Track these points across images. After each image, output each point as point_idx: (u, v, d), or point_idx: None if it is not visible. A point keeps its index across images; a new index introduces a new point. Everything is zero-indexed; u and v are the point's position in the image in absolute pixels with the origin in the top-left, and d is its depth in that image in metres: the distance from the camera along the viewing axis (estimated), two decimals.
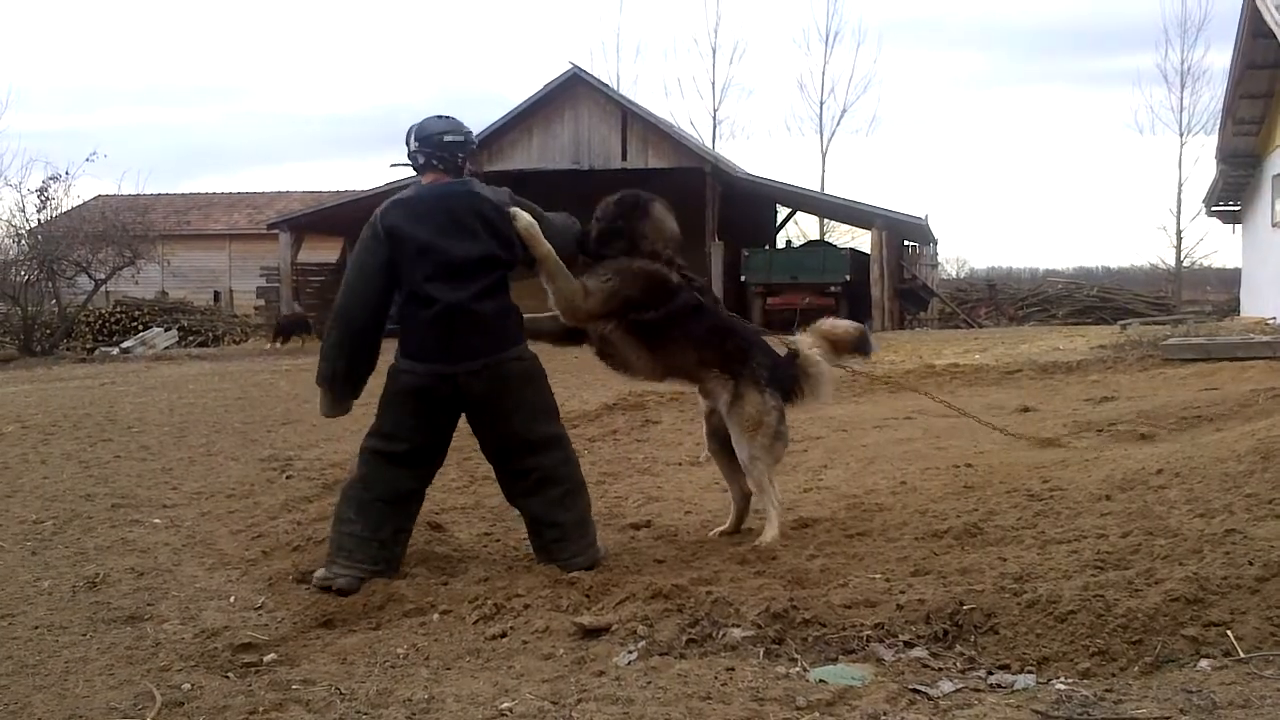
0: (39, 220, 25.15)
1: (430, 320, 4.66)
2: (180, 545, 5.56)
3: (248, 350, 24.91)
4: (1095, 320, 29.34)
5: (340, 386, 4.88)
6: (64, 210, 26.15)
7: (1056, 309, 33.72)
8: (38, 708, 3.41)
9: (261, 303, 29.76)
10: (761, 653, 3.46)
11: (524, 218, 4.81)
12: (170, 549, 5.48)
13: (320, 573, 4.66)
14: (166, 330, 27.27)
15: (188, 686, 3.51)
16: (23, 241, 24.91)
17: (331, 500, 6.19)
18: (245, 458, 8.33)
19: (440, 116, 4.94)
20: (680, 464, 7.58)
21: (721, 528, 5.33)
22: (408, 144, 4.90)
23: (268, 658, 3.80)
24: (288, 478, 7.34)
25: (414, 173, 4.97)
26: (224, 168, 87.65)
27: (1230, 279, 33.98)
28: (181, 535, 5.79)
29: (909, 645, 3.40)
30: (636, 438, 8.87)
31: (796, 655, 3.42)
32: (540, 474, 4.78)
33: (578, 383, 11.77)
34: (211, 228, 39.37)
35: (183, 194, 42.15)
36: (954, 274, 48.95)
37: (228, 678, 3.63)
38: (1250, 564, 3.39)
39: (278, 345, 23.91)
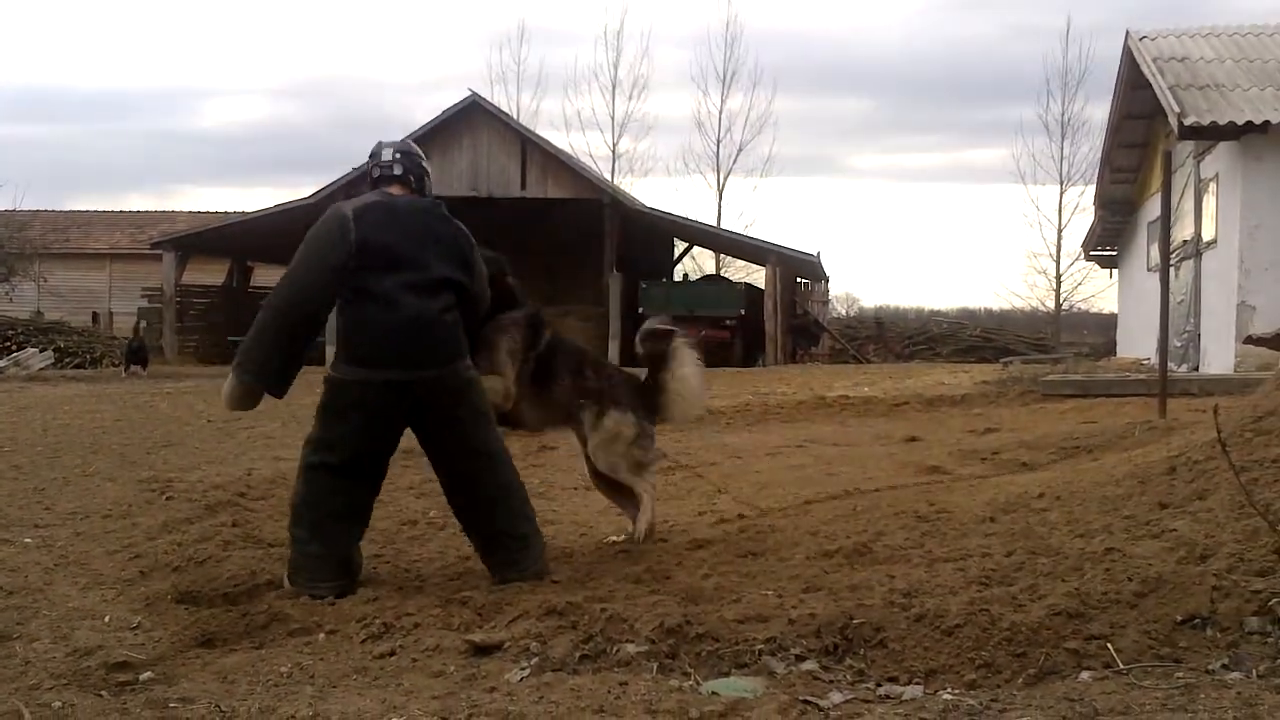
0: None
1: (395, 326, 4.58)
2: (52, 565, 5.34)
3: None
4: (978, 359, 30.15)
5: (270, 382, 4.72)
6: None
7: (941, 347, 34.59)
8: None
9: (143, 324, 28.95)
10: (655, 667, 3.45)
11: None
12: (42, 568, 5.26)
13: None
14: (42, 351, 26.30)
15: (58, 705, 3.35)
16: None
17: (214, 522, 6.05)
18: (123, 479, 8.06)
19: (412, 142, 5.18)
20: (576, 488, 7.56)
21: (616, 538, 5.56)
22: (377, 155, 4.95)
23: (144, 676, 3.65)
24: (168, 499, 7.11)
25: (371, 181, 4.99)
26: (107, 187, 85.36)
27: (1107, 323, 35.24)
28: (54, 555, 5.56)
29: (800, 658, 3.42)
30: (532, 463, 8.82)
31: (690, 669, 3.42)
32: (499, 485, 4.77)
33: None
34: (92, 246, 38.25)
35: (63, 211, 40.88)
36: (844, 312, 49.89)
37: (101, 696, 3.48)
38: (1129, 580, 3.49)
39: (132, 372, 22.82)
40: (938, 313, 50.23)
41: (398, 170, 4.88)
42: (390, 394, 4.60)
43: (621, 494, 5.55)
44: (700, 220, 34.42)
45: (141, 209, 42.94)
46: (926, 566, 4.21)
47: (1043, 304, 44.93)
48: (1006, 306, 49.18)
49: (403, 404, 4.63)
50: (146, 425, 11.90)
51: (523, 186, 27.54)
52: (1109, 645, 3.21)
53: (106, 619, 4.40)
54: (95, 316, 34.18)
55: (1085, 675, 3.11)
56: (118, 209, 42.94)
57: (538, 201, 27.88)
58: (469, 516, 4.85)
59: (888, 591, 3.85)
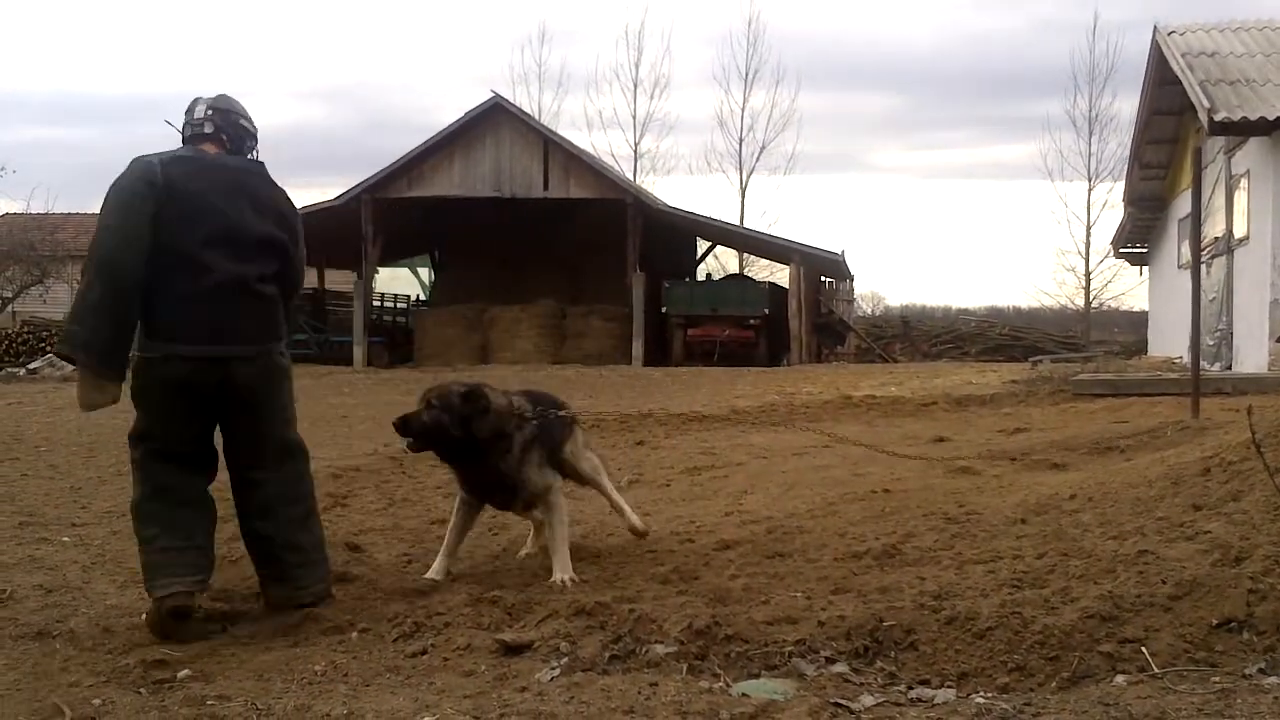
0: None
1: (205, 293, 4.17)
2: (90, 563, 5.43)
3: None
4: (1007, 358, 29.96)
5: (106, 358, 4.14)
6: None
7: (969, 346, 34.41)
8: None
9: None
10: (685, 668, 3.46)
11: None
12: (80, 566, 5.34)
13: (149, 609, 4.19)
14: None
15: (98, 702, 3.42)
16: None
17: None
18: None
19: (232, 98, 4.65)
20: None
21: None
22: (191, 111, 4.52)
23: (182, 674, 3.69)
24: None
25: (183, 141, 4.54)
26: None
27: (1137, 321, 34.98)
28: (91, 553, 5.64)
29: (830, 661, 3.42)
30: None
31: (719, 670, 3.43)
32: (283, 487, 4.41)
33: None
34: None
35: (94, 214, 41.17)
36: (870, 310, 49.77)
37: (140, 694, 3.53)
38: (1163, 583, 3.47)
39: None
40: (965, 311, 50.10)
41: (208, 129, 4.46)
42: (199, 372, 4.18)
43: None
44: (723, 219, 34.36)
45: None
46: (957, 569, 4.21)
47: (1072, 302, 44.69)
48: (1035, 304, 48.93)
49: (211, 383, 4.21)
50: None
51: (545, 187, 27.53)
52: (1143, 649, 3.20)
53: (143, 616, 4.44)
54: None
55: (1120, 679, 3.09)
56: None
57: (560, 202, 27.89)
58: (248, 520, 4.47)
59: (918, 594, 3.84)
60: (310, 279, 32.13)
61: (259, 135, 4.70)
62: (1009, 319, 44.83)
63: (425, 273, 38.81)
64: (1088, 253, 42.70)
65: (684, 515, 6.31)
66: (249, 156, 4.61)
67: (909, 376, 18.93)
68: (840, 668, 3.37)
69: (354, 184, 27.38)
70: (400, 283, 37.94)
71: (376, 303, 30.69)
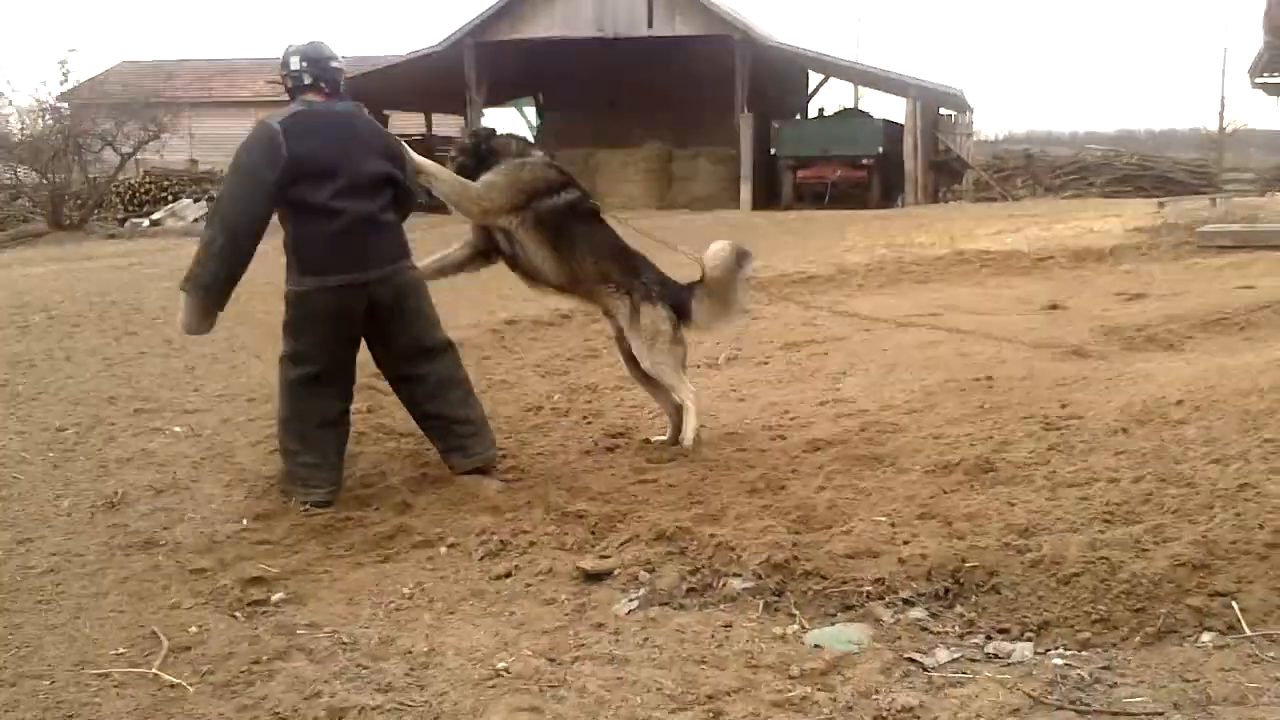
0: (60, 92, 24.67)
1: (339, 231, 4.79)
2: (200, 458, 5.55)
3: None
4: (1135, 188, 28.72)
5: (215, 296, 4.84)
6: (85, 79, 25.60)
7: (1094, 177, 32.98)
8: (48, 650, 3.46)
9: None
10: (761, 605, 3.47)
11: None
12: (190, 463, 5.47)
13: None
14: (196, 201, 27.06)
15: (194, 630, 3.55)
16: (46, 116, 24.43)
17: (359, 406, 6.17)
18: (269, 355, 8.25)
19: (321, 42, 5.15)
20: (696, 366, 7.50)
21: (662, 437, 5.60)
22: (287, 65, 5.07)
23: (276, 596, 3.83)
24: None
25: (287, 91, 5.13)
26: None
27: (1277, 142, 33.16)
28: (201, 446, 5.77)
29: (909, 604, 3.38)
30: None
31: (795, 610, 3.42)
32: (440, 377, 5.08)
33: None
34: (237, 95, 38.77)
35: (207, 60, 41.43)
36: (994, 137, 47.91)
37: (235, 618, 3.67)
38: (1260, 528, 3.33)
39: None
40: (1093, 135, 47.98)
41: (307, 79, 5.02)
42: (347, 297, 4.82)
43: (660, 391, 5.61)
44: (836, 54, 33.09)
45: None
46: (1049, 491, 4.09)
47: (1205, 126, 42.52)
48: (1168, 127, 46.80)
49: (359, 305, 4.85)
50: None
51: (649, 24, 26.71)
52: (1234, 604, 3.08)
53: (244, 522, 4.60)
54: None
55: (1206, 638, 2.99)
56: (261, 56, 43.32)
57: (665, 40, 27.10)
58: (419, 407, 5.13)
59: (1004, 528, 3.75)
60: (418, 124, 32.15)
61: (343, 64, 5.21)
62: (1139, 142, 42.87)
63: (531, 113, 38.40)
64: (1223, 76, 40.53)
65: (779, 402, 6.24)
66: (343, 92, 5.16)
67: (1028, 221, 18.25)
68: (918, 613, 3.33)
69: (456, 29, 27.01)
70: (508, 126, 37.63)
71: None
